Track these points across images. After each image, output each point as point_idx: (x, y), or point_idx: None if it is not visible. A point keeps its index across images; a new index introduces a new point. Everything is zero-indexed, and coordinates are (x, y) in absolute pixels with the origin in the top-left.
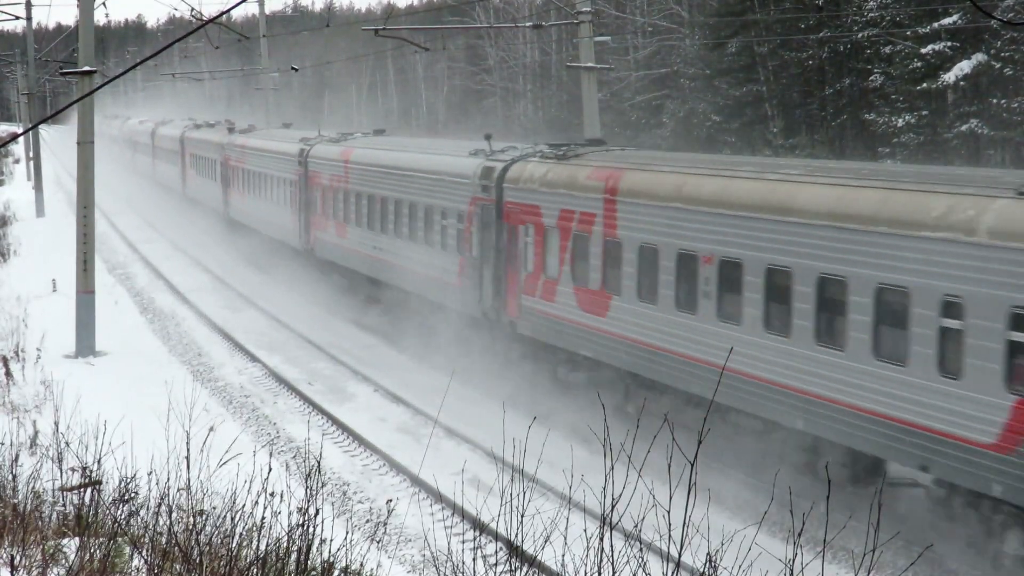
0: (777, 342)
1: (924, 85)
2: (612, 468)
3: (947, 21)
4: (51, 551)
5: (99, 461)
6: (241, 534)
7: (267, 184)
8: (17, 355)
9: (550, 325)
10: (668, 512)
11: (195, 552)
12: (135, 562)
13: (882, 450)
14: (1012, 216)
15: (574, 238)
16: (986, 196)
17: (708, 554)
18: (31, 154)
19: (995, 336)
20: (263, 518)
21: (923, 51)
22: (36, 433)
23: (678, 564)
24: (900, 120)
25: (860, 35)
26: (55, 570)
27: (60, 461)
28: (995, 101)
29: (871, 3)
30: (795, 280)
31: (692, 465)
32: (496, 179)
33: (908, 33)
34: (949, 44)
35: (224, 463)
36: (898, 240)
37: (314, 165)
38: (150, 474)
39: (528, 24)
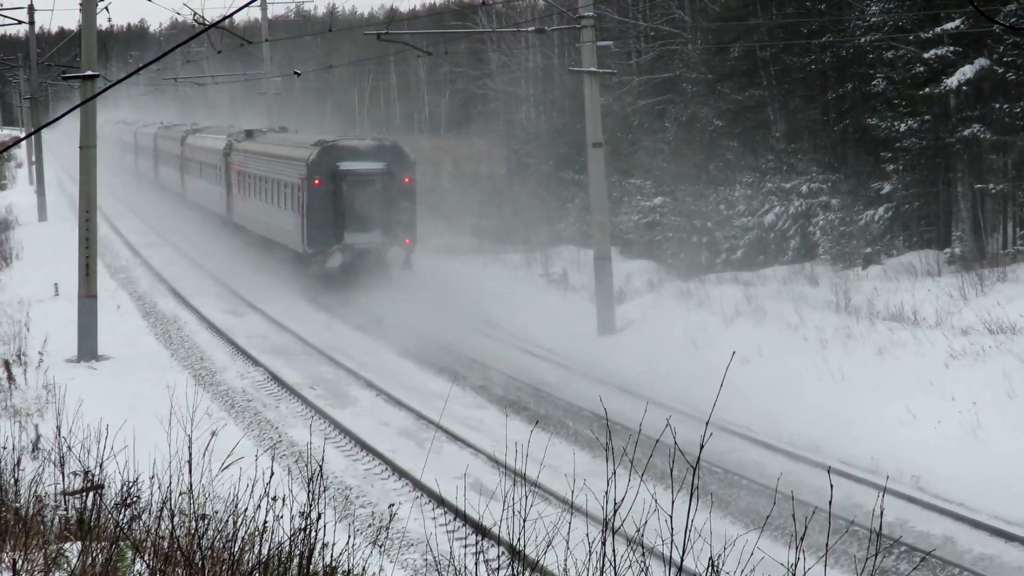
0: (269, 206)
1: (927, 90)
2: (615, 472)
3: (949, 26)
4: (53, 555)
5: (101, 465)
6: (243, 538)
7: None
8: (19, 359)
9: (237, 216)
10: (670, 516)
11: (197, 556)
12: (137, 566)
13: (289, 241)
14: (308, 154)
15: (233, 173)
16: (301, 145)
17: (710, 559)
18: (33, 158)
19: (292, 195)
20: (265, 522)
21: (925, 56)
22: (38, 437)
23: (680, 569)
24: (902, 125)
25: (863, 40)
26: (57, 574)
27: (62, 465)
28: (997, 106)
29: (874, 8)
30: (274, 183)
31: (695, 470)
32: (226, 149)
33: (911, 38)
34: (951, 49)
35: (226, 467)
36: (267, 160)
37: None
38: (152, 478)
39: (531, 29)
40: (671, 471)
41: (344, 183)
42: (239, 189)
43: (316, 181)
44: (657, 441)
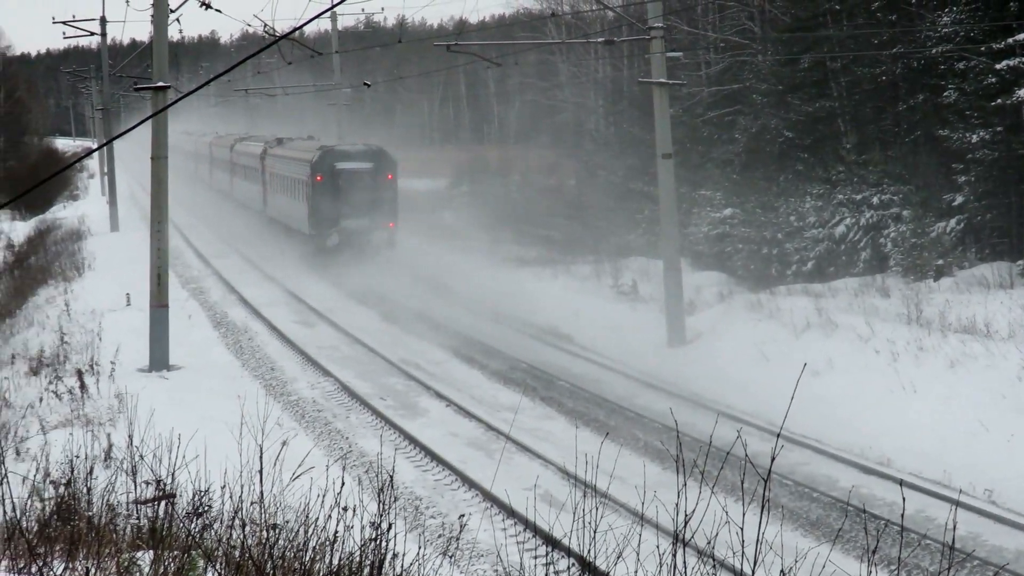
0: (288, 199)
1: (999, 101)
2: (685, 484)
3: (1021, 36)
4: (126, 564)
5: (173, 474)
6: (314, 548)
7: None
8: (92, 368)
9: (270, 209)
10: (741, 529)
11: (268, 566)
12: (209, 575)
13: (300, 226)
14: (312, 156)
15: (267, 173)
16: (310, 150)
17: (782, 571)
18: (105, 169)
19: (302, 189)
20: (336, 532)
21: (997, 66)
22: (110, 446)
23: None
24: (974, 136)
25: (934, 51)
26: None
27: (134, 474)
28: None
29: (945, 19)
30: (291, 180)
31: (766, 481)
32: (262, 154)
33: (982, 48)
34: (1023, 60)
35: (297, 477)
36: (287, 162)
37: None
38: (223, 487)
39: (600, 40)
40: (742, 483)
41: (340, 179)
42: (270, 187)
43: (319, 177)
44: (728, 453)
